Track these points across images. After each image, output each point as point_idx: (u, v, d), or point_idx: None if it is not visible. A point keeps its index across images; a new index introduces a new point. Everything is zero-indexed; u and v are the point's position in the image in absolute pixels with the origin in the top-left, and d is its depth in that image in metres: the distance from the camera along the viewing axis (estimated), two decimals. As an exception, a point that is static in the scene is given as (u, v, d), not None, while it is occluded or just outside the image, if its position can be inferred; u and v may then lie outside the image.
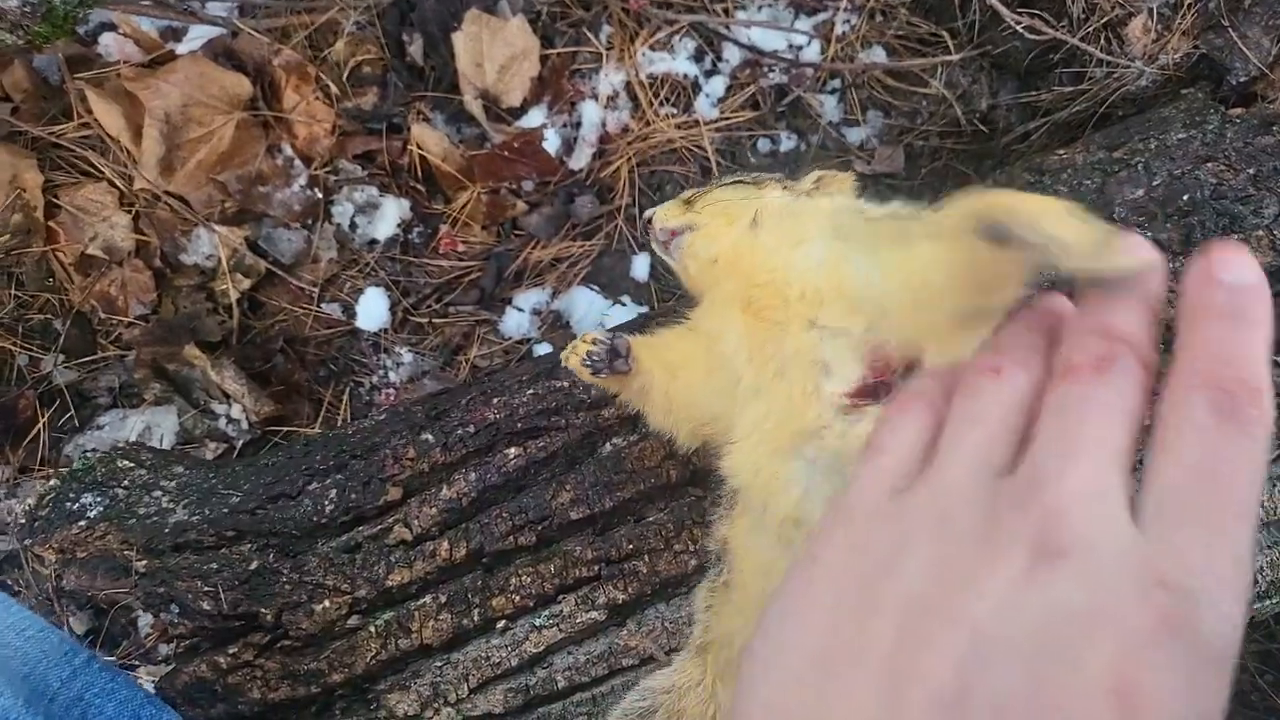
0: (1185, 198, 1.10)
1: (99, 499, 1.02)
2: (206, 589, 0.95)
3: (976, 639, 0.38)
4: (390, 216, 1.47)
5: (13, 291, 1.43)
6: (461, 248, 1.47)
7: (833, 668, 0.42)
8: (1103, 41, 1.37)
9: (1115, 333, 0.45)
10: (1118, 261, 0.46)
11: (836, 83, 1.52)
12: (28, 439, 1.38)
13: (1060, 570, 0.37)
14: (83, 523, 0.99)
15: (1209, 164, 1.14)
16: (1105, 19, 1.37)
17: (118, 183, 1.43)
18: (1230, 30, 1.36)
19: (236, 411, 1.37)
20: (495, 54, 1.45)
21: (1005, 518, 0.40)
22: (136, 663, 1.20)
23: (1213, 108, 1.27)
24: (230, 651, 0.94)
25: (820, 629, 0.43)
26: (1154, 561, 0.37)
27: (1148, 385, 0.44)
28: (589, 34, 1.50)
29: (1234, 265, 0.42)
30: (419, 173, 1.48)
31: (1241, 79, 1.35)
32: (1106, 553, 0.37)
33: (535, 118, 1.49)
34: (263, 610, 0.94)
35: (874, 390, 0.69)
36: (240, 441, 1.37)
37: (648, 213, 0.95)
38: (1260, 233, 1.06)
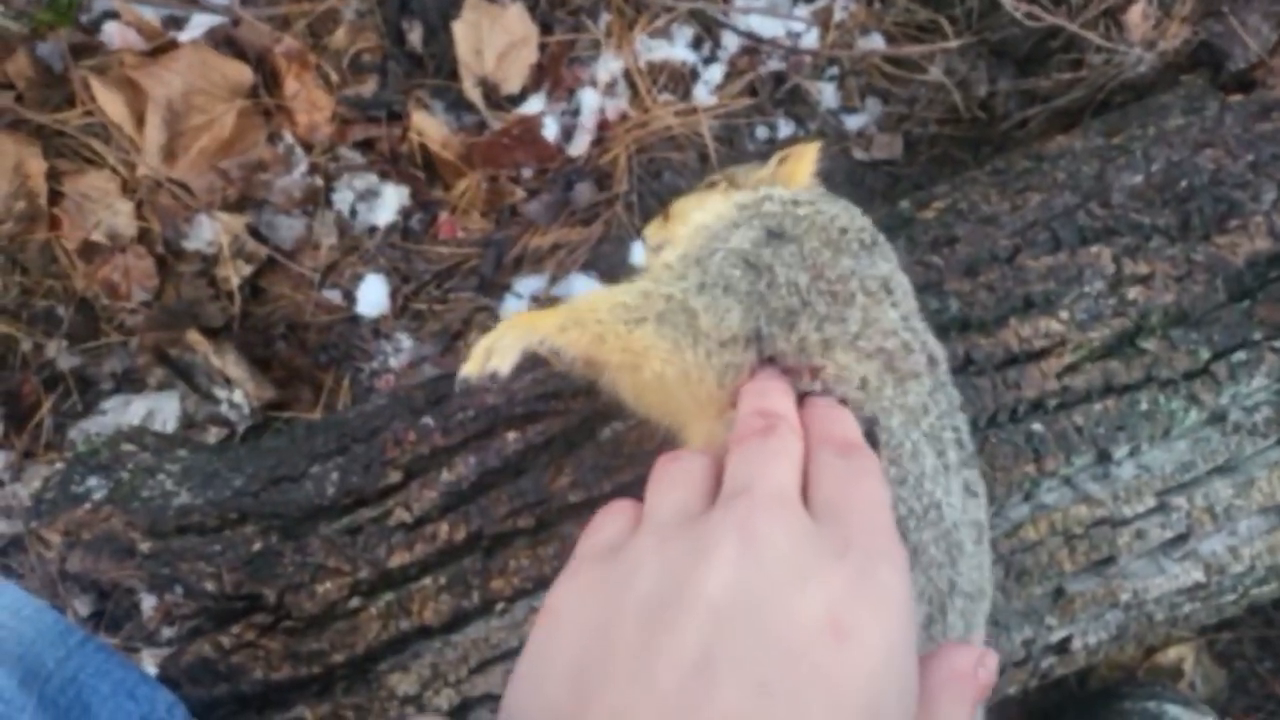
0: (1183, 184, 1.10)
1: (104, 482, 1.02)
2: (210, 570, 0.96)
3: (711, 611, 0.45)
4: (390, 203, 1.48)
5: (16, 278, 1.44)
6: (461, 234, 1.47)
7: (586, 676, 0.47)
8: (1102, 28, 1.38)
9: (770, 412, 0.60)
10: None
11: (835, 70, 1.52)
12: (31, 424, 1.39)
13: (767, 544, 0.48)
14: (88, 505, 1.00)
15: (1207, 150, 1.14)
16: (1104, 5, 1.37)
17: (120, 170, 1.44)
18: (1230, 17, 1.36)
19: (238, 396, 1.38)
20: (494, 41, 1.46)
21: (712, 521, 0.50)
22: (139, 645, 1.21)
23: (1212, 94, 1.27)
24: (233, 632, 0.95)
25: (569, 653, 0.49)
26: (839, 534, 0.49)
27: (802, 444, 0.58)
28: (588, 21, 1.50)
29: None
30: (419, 160, 1.49)
31: (1241, 65, 1.35)
32: (799, 529, 0.49)
33: (534, 105, 1.49)
34: (265, 591, 0.95)
35: None
36: (242, 426, 1.38)
37: (645, 231, 0.98)
38: (1259, 218, 1.06)
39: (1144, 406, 0.98)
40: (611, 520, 0.59)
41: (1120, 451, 0.97)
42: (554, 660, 0.49)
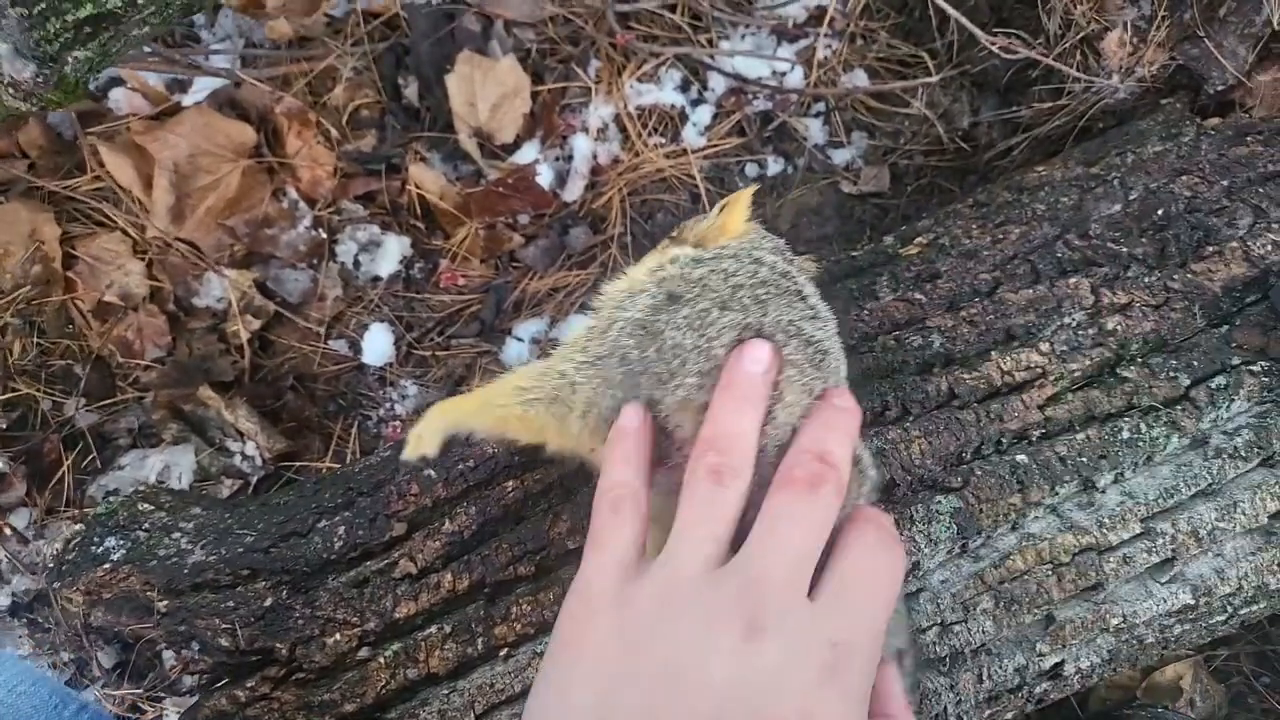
0: (1160, 212, 1.12)
1: (121, 542, 1.06)
2: (224, 626, 0.99)
3: (717, 698, 0.51)
4: (392, 253, 1.52)
5: (35, 339, 1.48)
6: (462, 281, 1.51)
7: None
8: (1079, 56, 1.40)
9: (829, 458, 0.60)
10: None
11: (820, 106, 1.56)
12: (53, 481, 1.43)
13: (766, 641, 0.53)
14: (107, 565, 1.03)
15: (1184, 177, 1.16)
16: (1081, 34, 1.39)
17: (131, 232, 1.49)
18: (1205, 40, 1.38)
19: (250, 449, 1.42)
20: (487, 93, 1.50)
21: (724, 600, 0.55)
22: (162, 695, 1.25)
23: (1188, 119, 1.29)
24: (248, 685, 0.98)
25: (589, 697, 0.55)
26: (827, 627, 0.54)
27: (840, 501, 0.59)
28: (578, 69, 1.54)
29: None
30: (418, 210, 1.53)
31: (1219, 87, 1.37)
32: (796, 624, 0.54)
33: (528, 153, 1.53)
34: (278, 645, 0.98)
35: None
36: (255, 477, 1.42)
37: None
38: (1234, 244, 1.08)
39: (1126, 434, 1.00)
40: (624, 530, 0.62)
41: (1104, 479, 0.99)
42: (573, 700, 0.55)
